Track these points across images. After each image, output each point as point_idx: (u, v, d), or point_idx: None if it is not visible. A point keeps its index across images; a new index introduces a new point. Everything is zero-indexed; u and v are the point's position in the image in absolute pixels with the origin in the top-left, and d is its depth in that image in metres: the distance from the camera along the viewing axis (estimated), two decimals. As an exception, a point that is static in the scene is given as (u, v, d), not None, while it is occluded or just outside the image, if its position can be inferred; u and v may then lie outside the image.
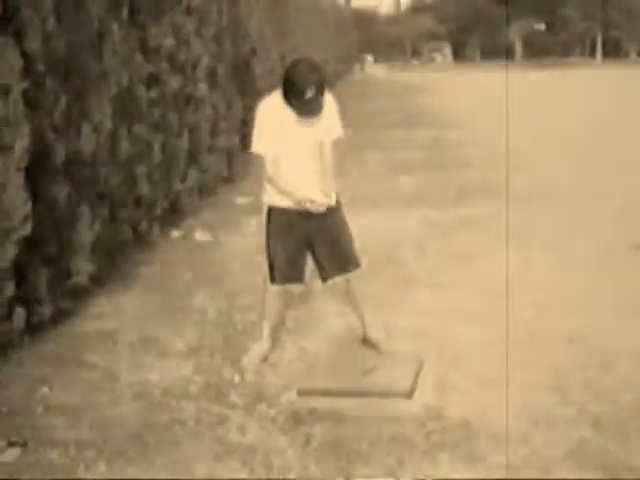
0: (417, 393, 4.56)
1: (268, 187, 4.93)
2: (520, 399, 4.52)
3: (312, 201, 4.84)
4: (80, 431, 4.29)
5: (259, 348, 5.18)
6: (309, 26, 25.43)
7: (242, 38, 13.47)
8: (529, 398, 4.54)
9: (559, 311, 5.94)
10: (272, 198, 4.93)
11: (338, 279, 5.13)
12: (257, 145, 4.85)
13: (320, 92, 4.63)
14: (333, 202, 4.97)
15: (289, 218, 4.91)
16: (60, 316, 5.92)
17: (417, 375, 4.74)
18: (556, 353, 5.16)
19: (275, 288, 5.06)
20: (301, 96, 4.60)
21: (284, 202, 4.88)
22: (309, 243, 5.01)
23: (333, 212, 5.00)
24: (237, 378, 4.90)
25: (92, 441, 4.17)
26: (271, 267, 5.00)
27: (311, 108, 4.67)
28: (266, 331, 5.21)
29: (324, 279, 5.14)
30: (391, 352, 5.16)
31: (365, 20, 69.20)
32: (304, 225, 4.92)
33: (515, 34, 78.05)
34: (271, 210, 4.96)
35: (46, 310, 5.70)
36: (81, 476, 3.85)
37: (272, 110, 4.80)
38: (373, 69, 59.91)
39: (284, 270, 5.00)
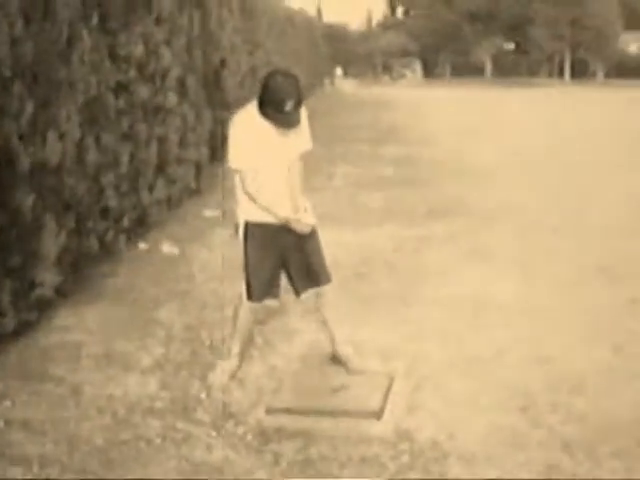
0: (387, 413, 4.51)
1: (245, 202, 4.85)
2: (490, 420, 4.48)
3: (297, 221, 4.81)
4: (43, 447, 4.18)
5: (227, 365, 5.10)
6: (281, 39, 25.42)
7: (213, 49, 13.40)
8: (499, 419, 4.50)
9: (528, 331, 5.92)
10: (251, 213, 4.85)
11: (310, 292, 5.06)
12: (235, 160, 4.77)
13: (298, 104, 4.61)
14: (314, 221, 4.92)
15: (268, 233, 4.85)
16: (23, 328, 5.80)
17: (387, 394, 4.68)
18: (526, 373, 5.14)
19: (250, 304, 4.98)
20: (281, 108, 4.55)
21: (263, 217, 4.81)
22: (284, 257, 4.95)
23: None
24: (204, 395, 4.81)
25: (56, 457, 4.07)
26: (248, 284, 4.91)
27: (290, 120, 4.64)
28: (235, 348, 5.12)
29: (297, 292, 5.09)
30: (360, 370, 5.09)
31: (336, 35, 69.41)
32: (281, 240, 4.88)
33: (485, 52, 78.70)
34: (249, 226, 4.88)
35: (9, 322, 5.58)
36: (43, 494, 3.75)
37: (248, 123, 4.73)
38: (343, 84, 60.01)
39: (262, 287, 4.93)
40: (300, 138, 4.87)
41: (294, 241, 4.90)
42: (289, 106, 4.55)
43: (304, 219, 4.85)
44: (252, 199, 4.79)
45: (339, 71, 70.62)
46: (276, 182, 4.79)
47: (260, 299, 4.97)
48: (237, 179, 4.84)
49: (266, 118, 4.64)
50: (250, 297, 4.94)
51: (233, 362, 5.10)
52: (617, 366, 5.29)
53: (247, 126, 4.73)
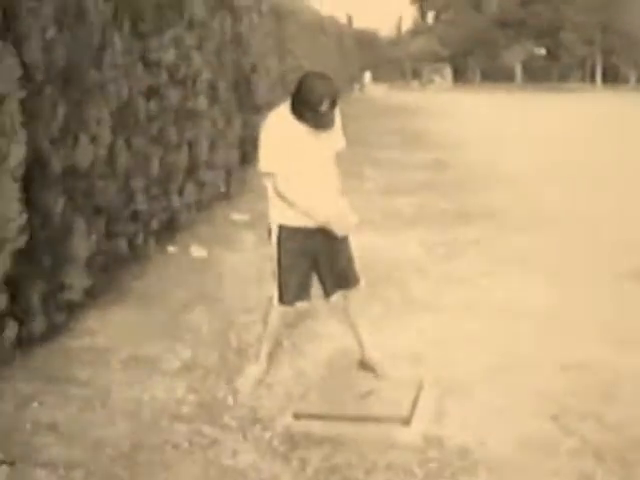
0: (415, 419, 4.46)
1: (279, 206, 4.80)
2: (520, 428, 4.42)
3: (339, 221, 4.79)
4: (70, 450, 4.17)
5: (255, 370, 5.07)
6: (311, 44, 25.44)
7: (243, 54, 13.42)
8: (529, 427, 4.44)
9: (559, 338, 5.84)
10: (284, 217, 4.81)
11: (340, 294, 5.05)
12: (267, 163, 4.73)
13: (334, 104, 4.60)
14: (357, 221, 4.90)
15: (301, 237, 4.81)
16: (52, 331, 5.80)
17: (415, 401, 4.63)
18: (556, 381, 5.07)
19: (281, 308, 4.95)
20: (317, 109, 4.55)
21: (297, 221, 4.78)
22: (315, 260, 4.92)
23: None
24: (231, 399, 4.79)
25: (81, 461, 4.06)
26: (281, 287, 4.87)
27: (326, 121, 4.64)
28: (264, 352, 5.10)
29: (327, 294, 5.07)
30: (389, 375, 5.05)
31: (366, 41, 69.35)
32: (313, 243, 4.85)
33: (515, 58, 78.31)
34: (282, 229, 4.84)
35: (38, 325, 5.58)
36: (69, 497, 3.74)
37: (280, 125, 4.71)
38: (372, 89, 59.96)
39: (295, 290, 4.90)
40: (334, 137, 4.87)
41: (326, 243, 4.87)
42: (325, 106, 4.54)
43: (345, 218, 4.81)
44: (286, 202, 4.74)
45: (368, 76, 70.54)
46: (312, 183, 4.75)
47: (292, 302, 4.94)
48: (269, 183, 4.80)
49: (300, 119, 4.61)
50: (282, 301, 4.90)
51: (261, 366, 5.08)
52: (650, 374, 5.20)
53: (279, 128, 4.70)
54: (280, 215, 4.83)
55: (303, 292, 4.96)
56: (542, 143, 20.10)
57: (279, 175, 4.70)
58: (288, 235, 4.82)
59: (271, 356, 5.18)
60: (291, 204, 4.74)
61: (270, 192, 4.82)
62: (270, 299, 5.01)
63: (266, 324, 5.09)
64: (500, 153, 17.84)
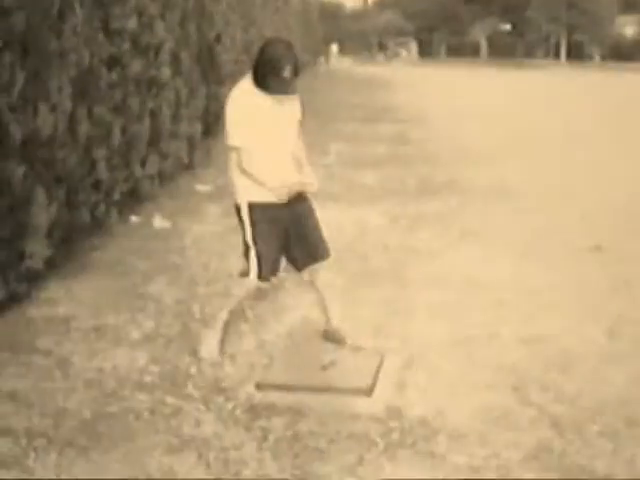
0: (377, 390, 4.48)
1: (246, 182, 4.75)
2: (480, 399, 4.47)
3: (303, 183, 4.82)
4: (31, 419, 4.15)
5: (215, 339, 5.04)
6: (276, 16, 25.27)
7: (207, 24, 13.30)
8: (489, 398, 4.49)
9: (520, 311, 5.90)
10: (253, 194, 4.77)
11: (311, 268, 5.04)
12: (235, 137, 4.69)
13: (296, 70, 4.62)
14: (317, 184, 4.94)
15: (272, 212, 4.78)
16: (13, 300, 5.76)
17: (377, 372, 4.66)
18: (517, 353, 5.12)
19: (256, 282, 4.90)
20: (280, 74, 4.55)
21: (266, 197, 4.74)
22: (286, 235, 4.92)
23: (305, 201, 4.96)
24: (194, 369, 4.78)
25: (43, 430, 4.04)
26: (259, 263, 4.81)
27: (288, 87, 4.64)
28: (223, 322, 5.06)
29: (299, 268, 5.07)
30: (354, 347, 5.07)
31: (332, 13, 69.05)
32: (283, 218, 4.84)
33: (480, 33, 78.47)
34: (253, 207, 4.78)
35: (-1, 294, 5.54)
36: (31, 465, 3.72)
37: (245, 98, 4.68)
38: (338, 62, 59.77)
39: (271, 265, 4.88)
40: (296, 107, 4.89)
41: (294, 218, 4.88)
42: (288, 71, 4.55)
43: (308, 180, 4.87)
44: (251, 178, 4.72)
45: (335, 48, 70.35)
46: (277, 156, 4.75)
47: (269, 278, 4.93)
48: (233, 158, 4.76)
49: (263, 88, 4.61)
50: (260, 277, 4.86)
51: (219, 335, 5.04)
52: (608, 347, 5.28)
53: (244, 101, 4.68)
54: (249, 192, 4.78)
55: (277, 266, 4.96)
56: (506, 118, 20.20)
57: (244, 150, 4.67)
58: (259, 211, 4.79)
59: (229, 326, 5.16)
60: (255, 180, 4.72)
61: (233, 168, 4.79)
62: (234, 274, 4.98)
63: (232, 297, 5.05)
64: (464, 127, 17.91)
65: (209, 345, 4.99)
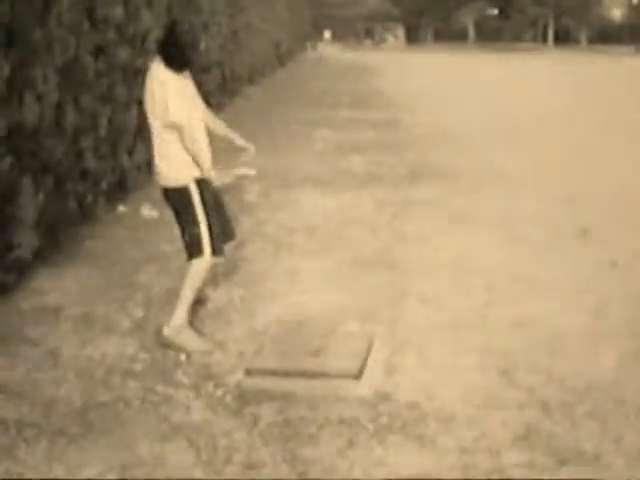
0: (366, 375, 4.50)
1: (188, 159, 4.79)
2: (469, 382, 4.49)
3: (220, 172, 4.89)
4: (21, 409, 4.15)
5: (182, 319, 4.93)
6: (262, 3, 25.18)
7: (194, 12, 13.25)
8: (478, 381, 4.51)
9: (509, 294, 5.93)
10: (195, 170, 4.82)
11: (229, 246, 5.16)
12: (177, 114, 4.72)
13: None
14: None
15: (209, 187, 4.87)
16: (1, 291, 5.75)
17: (366, 356, 4.68)
18: (505, 336, 5.15)
19: (210, 260, 4.91)
20: (193, 52, 4.81)
21: (201, 172, 4.82)
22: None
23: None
24: (183, 357, 4.79)
25: (33, 419, 4.04)
26: (212, 239, 4.85)
27: (193, 63, 4.90)
28: (188, 306, 4.96)
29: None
30: (342, 332, 5.09)
31: (319, -1, 68.83)
32: (213, 192, 4.94)
33: (468, 18, 78.38)
34: (199, 183, 4.82)
35: (-14, 284, 5.53)
36: (21, 456, 3.72)
37: (168, 76, 4.77)
38: (326, 48, 59.65)
39: (220, 239, 4.94)
40: (191, 82, 4.99)
41: (217, 195, 4.99)
42: (198, 49, 4.87)
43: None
44: (193, 153, 4.76)
45: (328, 34, 70.42)
46: (202, 130, 4.90)
47: (221, 252, 4.96)
48: (168, 136, 4.78)
49: (175, 67, 4.72)
50: (216, 252, 4.88)
51: (186, 315, 4.96)
52: (596, 329, 5.31)
53: (170, 80, 4.75)
54: (192, 169, 4.81)
55: (222, 242, 4.98)
56: (494, 102, 20.21)
57: (187, 126, 4.73)
58: (203, 188, 4.84)
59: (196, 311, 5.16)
60: (196, 154, 4.77)
61: (171, 147, 4.79)
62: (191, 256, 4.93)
63: (190, 279, 4.92)
64: (452, 112, 17.91)
65: (187, 335, 4.91)
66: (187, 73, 4.89)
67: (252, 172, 5.02)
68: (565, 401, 4.27)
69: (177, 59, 4.75)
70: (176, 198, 4.89)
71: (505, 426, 4.00)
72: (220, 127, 5.16)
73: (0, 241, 5.77)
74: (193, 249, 4.88)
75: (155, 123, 4.83)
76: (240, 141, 5.16)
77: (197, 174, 4.81)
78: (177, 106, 4.72)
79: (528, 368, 4.66)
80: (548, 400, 4.27)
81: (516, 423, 4.03)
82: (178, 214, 4.95)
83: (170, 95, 4.71)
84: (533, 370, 4.64)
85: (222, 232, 4.97)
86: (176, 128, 4.73)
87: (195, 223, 4.82)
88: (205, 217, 4.82)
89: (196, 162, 4.79)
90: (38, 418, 4.06)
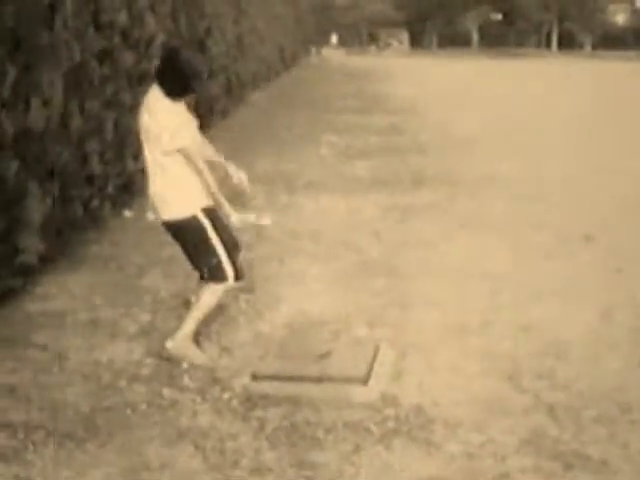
0: (372, 379, 4.51)
1: (192, 187, 4.64)
2: (475, 387, 4.50)
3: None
4: (28, 413, 4.17)
5: (186, 334, 4.83)
6: (266, 8, 25.21)
7: (198, 16, 13.28)
8: (484, 386, 4.52)
9: (514, 299, 5.93)
10: (202, 198, 4.67)
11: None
12: (184, 139, 4.56)
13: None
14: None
15: (217, 214, 4.76)
16: (8, 295, 5.77)
17: (372, 361, 4.68)
18: (511, 341, 5.15)
19: (233, 285, 4.81)
20: (200, 77, 4.62)
21: (209, 199, 4.70)
22: None
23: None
24: (185, 365, 4.77)
25: (41, 423, 4.06)
26: (235, 265, 4.72)
27: (194, 92, 4.69)
28: (195, 325, 4.85)
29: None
30: (348, 337, 5.09)
31: (322, 4, 68.90)
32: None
33: (472, 23, 78.41)
34: (206, 212, 4.68)
35: (-7, 289, 5.55)
36: (29, 459, 3.73)
37: (168, 103, 4.59)
38: (330, 53, 59.71)
39: (239, 262, 4.81)
40: None
41: (222, 219, 4.82)
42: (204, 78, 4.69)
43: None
44: (203, 177, 4.60)
45: (334, 39, 70.61)
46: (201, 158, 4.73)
47: (244, 275, 4.88)
48: (169, 166, 4.61)
49: (179, 95, 4.57)
50: (239, 277, 4.77)
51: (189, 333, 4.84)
52: (601, 334, 5.32)
53: (171, 106, 4.58)
54: (199, 198, 4.67)
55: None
56: (497, 108, 20.20)
57: (192, 149, 4.57)
58: (212, 216, 4.70)
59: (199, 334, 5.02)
60: (207, 178, 4.61)
61: (173, 177, 4.62)
62: (202, 282, 4.82)
63: (207, 302, 4.79)
64: (457, 117, 17.91)
65: (195, 354, 4.83)
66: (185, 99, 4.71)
67: (268, 222, 4.89)
68: (571, 406, 4.27)
69: (176, 87, 4.55)
70: (185, 230, 4.70)
71: (511, 431, 4.00)
72: (214, 154, 4.90)
73: (7, 246, 5.79)
74: (215, 278, 4.70)
75: (155, 153, 4.61)
76: (232, 168, 4.90)
77: (204, 202, 4.67)
78: (179, 130, 4.55)
79: (534, 373, 4.67)
80: (554, 405, 4.28)
81: (522, 428, 4.03)
82: (189, 247, 4.76)
83: (169, 120, 4.54)
84: (539, 375, 4.64)
85: (235, 251, 4.81)
86: (185, 154, 4.56)
87: (212, 253, 4.65)
88: (220, 244, 4.67)
89: (205, 188, 4.65)
90: (45, 421, 4.08)
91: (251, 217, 4.83)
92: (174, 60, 4.58)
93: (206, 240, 4.65)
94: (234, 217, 4.77)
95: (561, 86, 28.44)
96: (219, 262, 4.67)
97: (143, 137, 4.67)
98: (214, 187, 4.65)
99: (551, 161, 12.12)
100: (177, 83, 4.55)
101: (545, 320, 5.50)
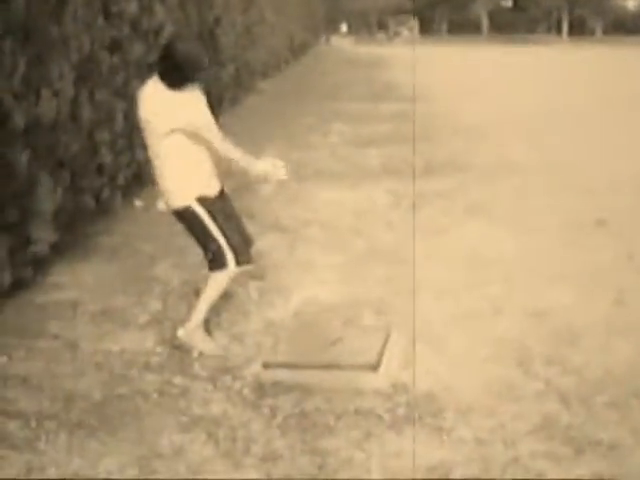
0: (383, 366, 4.51)
1: (193, 177, 4.69)
2: (486, 373, 4.50)
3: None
4: (41, 402, 4.19)
5: (196, 323, 4.86)
6: (275, -4, 25.17)
7: (207, 7, 13.27)
8: (495, 372, 4.52)
9: (525, 285, 5.92)
10: (201, 187, 4.70)
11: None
12: (208, 119, 4.63)
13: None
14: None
15: (217, 202, 4.76)
16: (20, 285, 5.79)
17: (383, 348, 4.68)
18: (522, 327, 5.15)
19: (235, 271, 4.82)
20: (200, 66, 4.62)
21: (212, 189, 4.74)
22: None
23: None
24: (196, 354, 4.78)
25: (53, 412, 4.08)
26: (235, 250, 4.73)
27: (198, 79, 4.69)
28: (202, 318, 4.87)
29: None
30: (358, 324, 5.10)
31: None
32: (223, 207, 4.82)
33: (482, 9, 78.10)
34: (202, 201, 4.69)
35: (5, 278, 5.57)
36: (42, 448, 3.76)
37: (177, 93, 4.59)
38: (339, 42, 59.59)
39: (244, 247, 4.82)
40: None
41: (228, 207, 4.85)
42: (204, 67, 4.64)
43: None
44: (234, 157, 4.65)
45: (344, 27, 70.49)
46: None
47: (250, 260, 4.90)
48: (169, 155, 4.63)
49: (179, 85, 4.55)
50: (241, 262, 4.78)
51: (199, 321, 4.88)
52: (613, 319, 5.30)
53: (177, 94, 4.58)
54: (196, 188, 4.69)
55: (248, 243, 4.91)
56: (508, 94, 20.14)
57: (219, 133, 4.62)
58: (209, 204, 4.71)
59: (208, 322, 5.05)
60: (235, 157, 4.66)
61: (172, 167, 4.66)
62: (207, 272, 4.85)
63: (213, 290, 4.82)
64: (466, 104, 17.87)
65: (204, 342, 4.86)
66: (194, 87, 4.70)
67: (285, 176, 4.89)
68: (582, 392, 4.27)
69: (177, 78, 4.55)
70: (186, 218, 4.78)
71: (522, 417, 4.01)
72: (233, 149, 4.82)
73: (18, 236, 5.81)
74: (216, 263, 4.76)
75: (155, 143, 4.64)
76: (252, 162, 4.84)
77: (198, 192, 4.69)
78: (194, 112, 4.59)
79: (545, 359, 4.66)
80: (565, 391, 4.27)
81: (533, 414, 4.03)
82: (193, 234, 4.84)
83: (184, 106, 4.57)
84: (550, 361, 4.64)
85: (242, 240, 4.83)
86: (194, 130, 4.57)
87: (212, 239, 4.71)
88: (219, 231, 4.71)
89: (208, 174, 4.71)
90: (58, 411, 4.10)
91: (271, 164, 4.80)
92: (173, 51, 4.56)
93: (203, 227, 4.72)
94: (255, 167, 4.74)
95: (572, 72, 28.31)
96: (219, 247, 4.72)
97: (145, 128, 4.68)
98: (237, 156, 4.65)
99: (562, 147, 12.09)
100: (177, 74, 4.55)
101: (556, 306, 5.49)
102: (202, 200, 4.70)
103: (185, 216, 4.76)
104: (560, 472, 3.54)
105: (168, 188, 4.75)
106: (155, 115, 4.59)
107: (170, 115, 4.55)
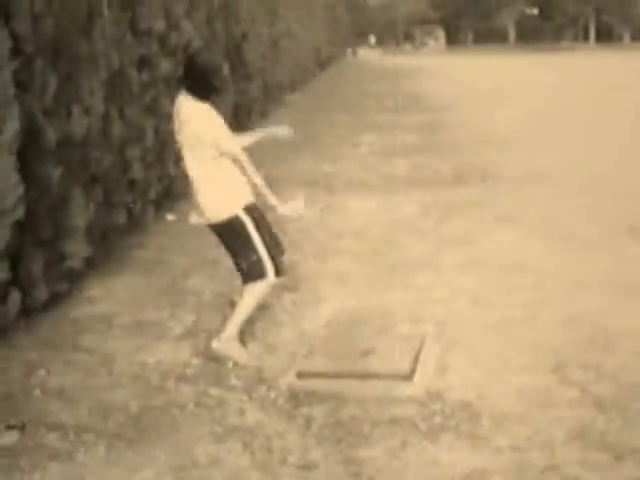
0: (417, 374, 4.51)
1: (236, 186, 4.76)
2: (521, 380, 4.48)
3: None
4: (78, 415, 4.23)
5: (232, 334, 4.88)
6: (301, 10, 25.29)
7: (234, 22, 13.37)
8: (530, 379, 4.50)
9: (558, 292, 5.89)
10: (245, 196, 4.78)
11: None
12: (230, 139, 4.74)
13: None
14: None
15: (257, 209, 4.82)
16: (55, 300, 5.86)
17: (417, 356, 4.69)
18: (556, 334, 5.12)
19: (275, 281, 4.85)
20: (219, 75, 4.82)
21: (251, 195, 4.80)
22: None
23: None
24: (231, 364, 4.81)
25: (91, 424, 4.12)
26: (275, 261, 4.78)
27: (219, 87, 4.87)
28: (239, 324, 4.91)
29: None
30: (392, 333, 5.10)
31: (357, 4, 68.94)
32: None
33: (508, 18, 77.90)
34: (246, 209, 4.76)
35: (41, 294, 5.63)
36: (80, 459, 3.79)
37: (204, 105, 4.72)
38: (366, 54, 59.69)
39: (279, 259, 4.86)
40: None
41: (263, 217, 4.88)
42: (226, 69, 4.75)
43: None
44: (252, 174, 4.72)
45: (372, 39, 70.67)
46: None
47: (286, 271, 4.93)
48: (210, 167, 4.72)
49: (205, 96, 4.69)
50: (279, 273, 4.83)
51: (234, 332, 4.89)
52: (648, 325, 5.26)
53: (206, 108, 4.72)
54: (242, 197, 4.76)
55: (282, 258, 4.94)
56: (536, 103, 20.06)
57: (240, 149, 4.72)
58: (252, 213, 4.77)
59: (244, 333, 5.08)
60: (254, 173, 4.73)
61: (214, 179, 4.74)
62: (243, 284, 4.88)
63: (251, 301, 4.85)
64: (494, 113, 17.83)
65: (239, 352, 4.88)
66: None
67: (309, 213, 4.93)
68: (618, 398, 4.23)
69: (201, 89, 4.69)
70: (228, 230, 4.79)
71: (558, 423, 3.98)
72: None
73: (53, 251, 5.88)
74: (254, 275, 4.77)
75: (195, 153, 4.70)
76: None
77: (245, 201, 4.76)
78: (227, 133, 4.72)
79: (580, 365, 4.63)
80: (601, 397, 4.24)
81: (569, 420, 4.01)
82: (231, 244, 4.84)
83: (213, 121, 4.70)
84: (585, 367, 4.61)
85: (276, 249, 4.87)
86: (230, 155, 4.69)
87: (252, 250, 4.73)
88: (261, 241, 4.74)
89: (248, 183, 4.77)
90: (95, 423, 4.14)
91: (296, 206, 4.88)
92: (194, 64, 4.73)
93: (247, 237, 4.73)
94: (280, 208, 4.82)
95: (601, 79, 28.14)
96: (259, 258, 4.74)
97: (185, 143, 4.74)
98: (259, 180, 4.74)
99: (593, 155, 12.01)
100: (202, 84, 4.69)
101: (591, 312, 5.45)
102: (248, 208, 4.76)
103: (229, 227, 4.77)
104: (596, 479, 3.51)
105: (211, 200, 4.78)
106: (192, 131, 4.67)
107: (223, 135, 4.68)
